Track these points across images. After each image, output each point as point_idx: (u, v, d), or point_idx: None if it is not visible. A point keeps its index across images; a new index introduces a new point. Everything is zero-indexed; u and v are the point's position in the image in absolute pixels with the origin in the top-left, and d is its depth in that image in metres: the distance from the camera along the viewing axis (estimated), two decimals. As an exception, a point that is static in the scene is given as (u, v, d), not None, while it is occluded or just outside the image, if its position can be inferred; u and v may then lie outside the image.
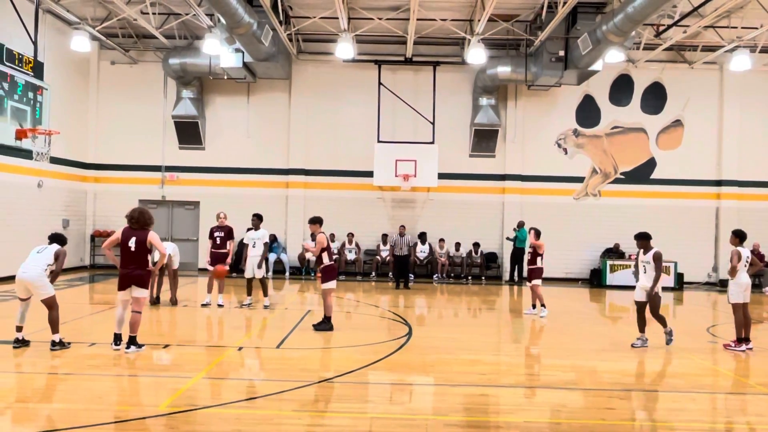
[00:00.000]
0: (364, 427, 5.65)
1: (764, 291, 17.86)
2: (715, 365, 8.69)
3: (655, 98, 20.22)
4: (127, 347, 8.18)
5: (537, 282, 12.66)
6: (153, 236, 8.35)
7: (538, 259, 12.65)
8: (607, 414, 6.22)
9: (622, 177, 20.28)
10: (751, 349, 9.33)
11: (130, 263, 8.19)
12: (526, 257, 13.11)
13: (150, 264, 8.47)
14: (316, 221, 10.48)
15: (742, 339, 9.47)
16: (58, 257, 8.26)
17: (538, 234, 12.83)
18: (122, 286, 8.22)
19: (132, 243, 8.18)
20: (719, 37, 17.39)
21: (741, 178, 19.98)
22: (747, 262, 9.47)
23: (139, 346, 8.27)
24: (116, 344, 8.25)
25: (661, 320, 9.44)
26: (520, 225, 18.48)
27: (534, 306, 12.75)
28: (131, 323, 8.22)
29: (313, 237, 10.36)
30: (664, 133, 20.29)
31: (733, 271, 9.43)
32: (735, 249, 9.51)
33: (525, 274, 12.64)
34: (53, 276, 8.28)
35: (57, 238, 8.53)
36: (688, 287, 18.99)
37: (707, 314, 14.46)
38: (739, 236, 9.61)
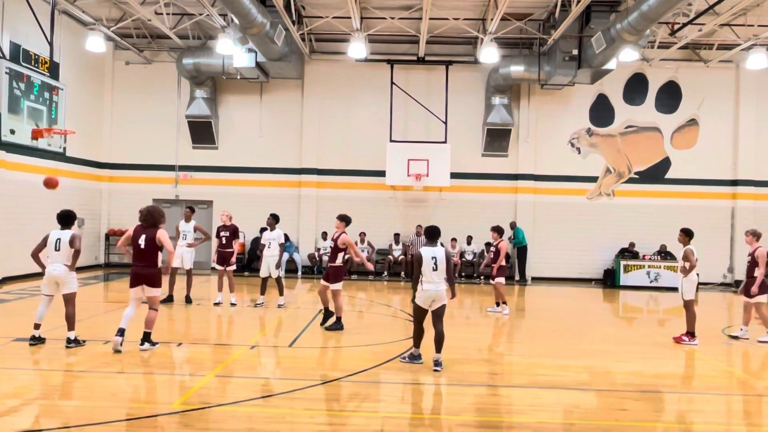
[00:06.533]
0: (375, 426, 5.65)
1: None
2: (730, 367, 8.61)
3: (670, 97, 20.04)
4: (141, 344, 8.27)
5: (500, 280, 12.73)
6: (162, 234, 8.32)
7: (499, 257, 12.70)
8: (621, 415, 6.18)
9: (636, 177, 20.13)
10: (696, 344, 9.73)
11: (140, 261, 8.26)
12: (490, 255, 13.21)
13: (160, 263, 8.44)
14: (344, 219, 10.27)
15: (694, 333, 9.84)
16: (73, 242, 8.29)
17: (501, 233, 12.80)
18: (133, 283, 8.30)
19: (142, 241, 8.23)
20: (735, 36, 17.21)
21: (757, 177, 19.77)
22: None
23: (153, 343, 8.34)
24: (118, 335, 8.09)
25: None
26: (513, 225, 19.08)
27: (498, 304, 12.80)
28: (147, 320, 8.31)
29: (324, 236, 10.36)
30: (678, 132, 20.12)
31: (691, 269, 9.78)
32: (689, 248, 9.88)
33: (494, 272, 12.77)
34: (76, 256, 8.32)
35: (65, 219, 8.44)
36: (704, 288, 18.77)
37: (723, 315, 14.31)
38: (689, 235, 10.00)
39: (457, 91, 19.75)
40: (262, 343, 9.33)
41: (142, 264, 8.23)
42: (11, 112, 10.73)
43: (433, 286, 7.66)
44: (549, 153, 20.07)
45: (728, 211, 19.89)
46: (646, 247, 19.33)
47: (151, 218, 8.35)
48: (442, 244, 8.07)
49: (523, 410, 6.32)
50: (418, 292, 7.77)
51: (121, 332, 8.13)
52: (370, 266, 10.98)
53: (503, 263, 12.83)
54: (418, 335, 8.02)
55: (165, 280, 9.03)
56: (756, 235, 10.27)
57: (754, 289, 10.02)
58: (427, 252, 7.70)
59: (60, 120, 12.14)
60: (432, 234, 7.92)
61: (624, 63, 17.87)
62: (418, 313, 7.90)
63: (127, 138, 20.28)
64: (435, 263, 7.63)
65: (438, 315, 7.74)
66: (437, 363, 7.64)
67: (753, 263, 10.14)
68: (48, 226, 8.62)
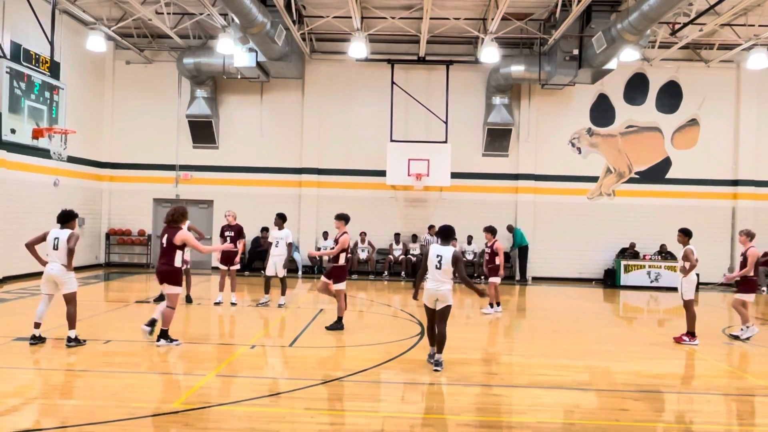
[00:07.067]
0: (376, 426, 5.65)
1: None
2: (730, 366, 8.60)
3: (671, 97, 20.05)
4: (157, 340, 8.49)
5: (494, 280, 12.82)
6: (182, 235, 8.54)
7: (496, 258, 12.79)
8: (621, 415, 6.18)
9: (636, 176, 20.13)
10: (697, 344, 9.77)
11: (161, 258, 8.62)
12: (485, 256, 13.31)
13: (180, 262, 8.60)
14: (342, 218, 10.30)
15: (694, 333, 9.84)
16: (69, 240, 8.31)
17: (494, 233, 12.89)
18: (159, 281, 8.60)
19: (164, 239, 8.59)
20: (736, 36, 17.21)
21: (757, 177, 19.77)
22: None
23: (171, 340, 8.54)
24: (148, 324, 8.38)
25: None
26: (510, 229, 19.27)
27: (491, 305, 12.81)
28: (163, 317, 8.51)
29: (325, 235, 10.37)
30: (679, 132, 20.11)
31: (691, 269, 9.82)
32: (689, 247, 9.95)
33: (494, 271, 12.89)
34: (70, 255, 8.30)
35: (64, 218, 8.49)
36: (704, 288, 18.79)
37: (723, 315, 14.30)
38: (688, 234, 10.08)
39: (458, 90, 19.75)
40: (262, 343, 9.33)
41: (161, 261, 8.56)
42: (12, 112, 10.75)
43: (435, 284, 7.68)
44: (549, 153, 20.07)
45: (728, 211, 19.89)
46: (646, 247, 19.33)
47: (170, 218, 8.69)
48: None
49: (523, 410, 6.32)
50: (423, 289, 7.83)
51: (151, 322, 8.36)
52: (315, 254, 12.03)
53: (498, 263, 12.84)
54: (429, 334, 8.14)
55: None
56: (750, 235, 10.37)
57: (727, 278, 10.49)
58: (434, 249, 7.78)
59: (60, 119, 12.16)
60: (444, 233, 7.99)
61: (625, 63, 17.87)
62: (427, 313, 7.97)
63: (128, 137, 20.28)
64: (439, 262, 7.64)
65: (442, 315, 7.74)
66: (438, 363, 7.65)
67: (745, 262, 10.23)
68: (49, 226, 8.64)
